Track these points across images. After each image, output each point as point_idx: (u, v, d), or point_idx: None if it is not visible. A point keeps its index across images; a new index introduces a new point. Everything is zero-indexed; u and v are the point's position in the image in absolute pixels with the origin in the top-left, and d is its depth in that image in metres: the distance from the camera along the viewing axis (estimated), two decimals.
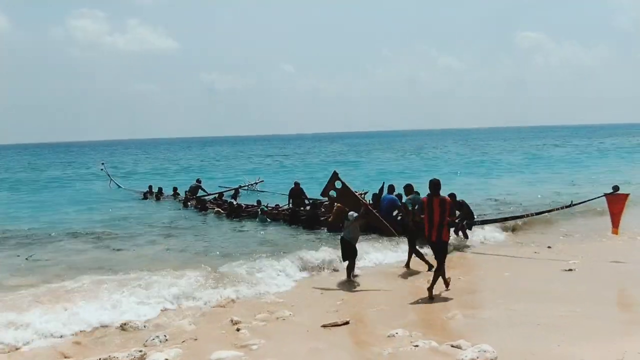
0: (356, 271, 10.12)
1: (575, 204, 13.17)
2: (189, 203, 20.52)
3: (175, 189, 23.38)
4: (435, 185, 8.52)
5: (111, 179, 30.08)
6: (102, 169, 32.19)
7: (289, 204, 17.17)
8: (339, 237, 10.46)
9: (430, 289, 8.30)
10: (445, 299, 8.30)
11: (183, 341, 6.83)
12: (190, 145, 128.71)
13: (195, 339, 6.92)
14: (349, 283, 9.69)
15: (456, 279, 9.25)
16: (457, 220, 11.82)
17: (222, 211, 18.19)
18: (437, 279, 8.46)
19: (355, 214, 10.31)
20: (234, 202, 18.64)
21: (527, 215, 13.77)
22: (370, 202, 13.12)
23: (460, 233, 12.82)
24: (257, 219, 16.47)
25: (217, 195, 21.83)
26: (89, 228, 15.90)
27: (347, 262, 10.03)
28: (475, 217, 13.37)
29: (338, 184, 12.87)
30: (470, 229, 12.98)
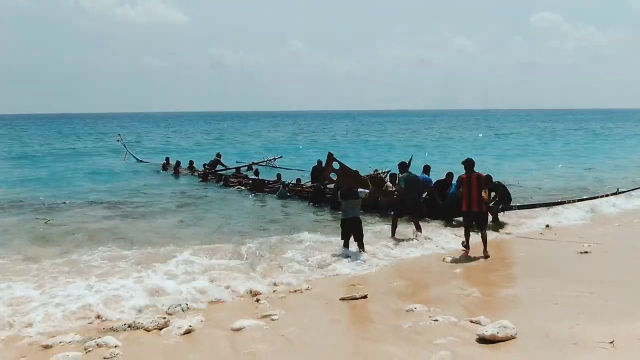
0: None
1: (622, 192, 13.20)
2: (209, 177, 20.16)
3: (191, 163, 23.06)
4: (470, 163, 9.68)
5: (127, 151, 29.75)
6: (118, 140, 31.95)
7: (312, 182, 16.57)
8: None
9: (484, 250, 9.52)
10: (463, 277, 8.37)
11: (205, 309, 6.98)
12: (204, 120, 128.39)
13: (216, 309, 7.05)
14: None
15: (474, 258, 9.35)
16: (492, 204, 11.68)
17: (243, 187, 17.97)
18: (485, 241, 9.62)
19: (365, 191, 10.30)
20: (257, 178, 18.46)
21: (570, 202, 13.24)
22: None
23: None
24: (276, 195, 16.23)
25: (235, 170, 21.64)
26: (113, 199, 16.17)
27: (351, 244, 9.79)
28: (511, 199, 12.84)
29: (336, 165, 12.88)
30: (502, 212, 12.53)
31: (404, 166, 11.49)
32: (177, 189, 18.76)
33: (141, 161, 28.00)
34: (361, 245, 9.77)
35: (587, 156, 31.32)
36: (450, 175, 13.10)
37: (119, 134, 34.29)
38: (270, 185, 17.43)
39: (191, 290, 7.71)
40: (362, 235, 9.80)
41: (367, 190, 10.46)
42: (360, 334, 6.27)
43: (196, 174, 21.56)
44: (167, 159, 24.71)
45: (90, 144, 46.01)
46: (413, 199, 11.04)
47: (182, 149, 39.62)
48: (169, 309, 7.01)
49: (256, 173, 19.84)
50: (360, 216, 9.95)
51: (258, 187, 17.34)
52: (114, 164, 28.27)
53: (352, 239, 9.76)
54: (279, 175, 17.97)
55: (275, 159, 24.82)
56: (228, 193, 17.67)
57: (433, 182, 12.72)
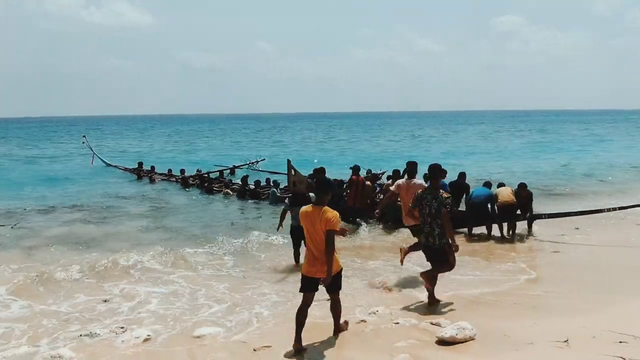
0: None
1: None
2: (191, 182, 18.91)
3: (169, 171, 21.55)
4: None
5: (95, 154, 27.91)
6: (83, 142, 29.97)
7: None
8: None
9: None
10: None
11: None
12: (174, 122, 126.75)
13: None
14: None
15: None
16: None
17: (231, 192, 16.79)
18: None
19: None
20: (247, 184, 16.90)
21: (608, 210, 11.87)
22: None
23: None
24: (268, 201, 15.32)
25: (218, 174, 20.44)
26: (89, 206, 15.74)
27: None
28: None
29: (293, 172, 12.31)
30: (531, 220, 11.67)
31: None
32: (164, 198, 17.38)
33: (110, 165, 26.42)
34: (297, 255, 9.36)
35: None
36: (463, 175, 12.31)
37: (84, 136, 32.34)
38: (263, 191, 16.35)
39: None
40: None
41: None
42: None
43: (176, 179, 20.16)
44: (140, 164, 23.07)
45: (52, 149, 44.89)
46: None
47: (152, 153, 38.67)
48: (127, 317, 6.88)
49: (244, 181, 17.50)
50: None
51: (253, 195, 16.10)
52: (78, 168, 27.23)
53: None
54: (275, 182, 16.65)
55: (257, 161, 23.70)
56: (217, 200, 16.75)
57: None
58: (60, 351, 5.78)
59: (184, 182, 19.13)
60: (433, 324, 6.19)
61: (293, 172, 11.98)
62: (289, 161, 12.12)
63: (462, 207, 11.87)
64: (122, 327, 6.45)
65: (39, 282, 8.27)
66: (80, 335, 6.26)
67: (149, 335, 6.16)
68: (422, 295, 7.39)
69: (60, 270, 8.81)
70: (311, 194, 9.66)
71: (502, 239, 11.19)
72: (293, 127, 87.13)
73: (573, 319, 6.27)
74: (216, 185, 17.97)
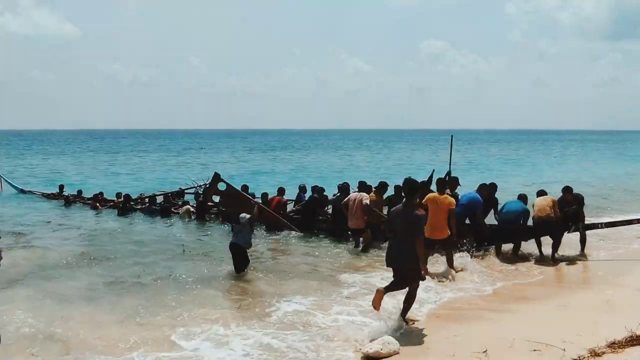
0: None
1: None
2: (133, 204, 16.25)
3: (118, 194, 17.57)
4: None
5: (2, 178, 22.89)
6: None
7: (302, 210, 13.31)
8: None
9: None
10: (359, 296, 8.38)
11: None
12: (101, 138, 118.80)
13: None
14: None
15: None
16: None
17: (193, 210, 14.89)
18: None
19: (247, 216, 9.34)
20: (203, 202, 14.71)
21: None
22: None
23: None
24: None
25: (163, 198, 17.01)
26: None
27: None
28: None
29: (222, 186, 12.21)
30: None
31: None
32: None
33: (24, 191, 21.64)
34: (238, 270, 9.24)
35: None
36: (493, 187, 10.77)
37: None
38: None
39: None
40: (244, 264, 9.27)
41: (248, 216, 9.33)
42: None
43: (110, 204, 17.02)
44: (61, 187, 19.90)
45: None
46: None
47: (74, 175, 32.62)
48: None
49: (197, 197, 16.12)
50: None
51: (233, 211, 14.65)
52: None
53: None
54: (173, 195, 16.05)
55: (206, 184, 17.93)
56: (177, 222, 14.57)
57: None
58: None
59: (122, 209, 16.14)
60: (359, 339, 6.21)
61: (225, 185, 11.50)
62: (216, 174, 11.75)
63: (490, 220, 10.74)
64: None
65: None
66: None
67: None
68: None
69: None
70: (242, 215, 9.33)
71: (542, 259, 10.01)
72: (219, 145, 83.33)
73: (491, 329, 6.50)
74: (174, 210, 15.58)
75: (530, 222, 10.21)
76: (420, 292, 7.00)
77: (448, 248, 9.15)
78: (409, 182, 6.58)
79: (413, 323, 6.76)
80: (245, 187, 13.64)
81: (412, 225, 6.35)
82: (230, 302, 8.04)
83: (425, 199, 9.15)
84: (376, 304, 6.34)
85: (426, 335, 6.37)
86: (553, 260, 9.91)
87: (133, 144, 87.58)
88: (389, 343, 5.81)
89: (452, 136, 12.60)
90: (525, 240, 10.34)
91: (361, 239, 11.19)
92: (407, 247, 6.35)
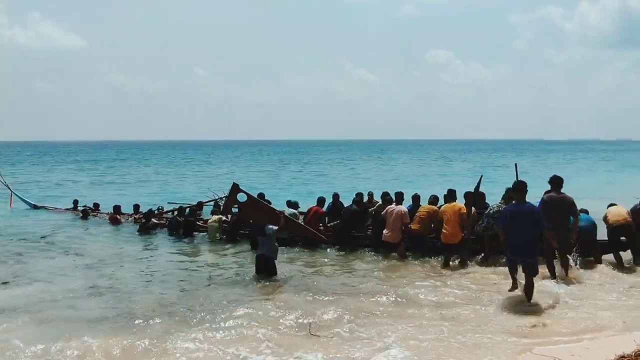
0: None
1: None
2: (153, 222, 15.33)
3: (136, 207, 17.09)
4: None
5: (13, 193, 21.18)
6: None
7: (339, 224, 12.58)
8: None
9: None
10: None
11: None
12: (109, 149, 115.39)
13: None
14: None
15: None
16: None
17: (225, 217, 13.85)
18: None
19: (274, 227, 9.43)
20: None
21: None
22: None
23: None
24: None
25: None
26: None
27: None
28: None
29: (242, 197, 10.98)
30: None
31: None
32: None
33: (36, 206, 20.50)
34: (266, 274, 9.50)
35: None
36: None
37: None
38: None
39: None
40: (272, 274, 9.50)
41: (275, 227, 9.45)
42: None
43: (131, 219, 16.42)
44: (76, 202, 19.28)
45: None
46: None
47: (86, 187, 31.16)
48: None
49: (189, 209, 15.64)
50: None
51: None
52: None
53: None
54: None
55: (225, 196, 15.90)
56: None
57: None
58: None
59: (144, 227, 15.05)
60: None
61: (245, 196, 10.58)
62: (235, 185, 10.71)
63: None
64: None
65: None
66: None
67: None
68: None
69: None
70: (269, 226, 9.44)
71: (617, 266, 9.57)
72: (224, 155, 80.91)
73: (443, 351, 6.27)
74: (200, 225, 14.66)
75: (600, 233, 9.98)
76: None
77: (462, 251, 10.32)
78: (520, 183, 8.03)
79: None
80: (261, 195, 13.08)
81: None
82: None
83: (440, 210, 10.56)
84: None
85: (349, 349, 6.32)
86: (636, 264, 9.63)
87: (145, 155, 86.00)
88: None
89: (515, 164, 11.76)
90: (604, 254, 10.02)
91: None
92: (531, 240, 7.66)
